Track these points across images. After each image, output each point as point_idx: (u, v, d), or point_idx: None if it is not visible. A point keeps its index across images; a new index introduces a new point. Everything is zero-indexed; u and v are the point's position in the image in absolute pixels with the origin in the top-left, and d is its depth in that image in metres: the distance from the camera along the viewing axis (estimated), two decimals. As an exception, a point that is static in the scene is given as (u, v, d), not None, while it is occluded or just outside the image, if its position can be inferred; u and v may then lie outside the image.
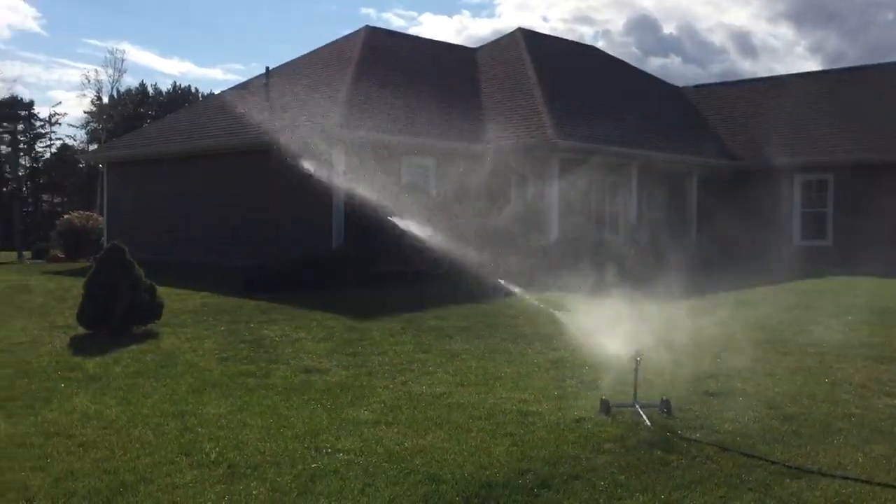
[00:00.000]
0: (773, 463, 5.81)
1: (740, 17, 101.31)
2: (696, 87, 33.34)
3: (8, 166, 61.11)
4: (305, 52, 26.51)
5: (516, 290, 10.42)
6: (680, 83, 34.14)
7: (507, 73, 25.11)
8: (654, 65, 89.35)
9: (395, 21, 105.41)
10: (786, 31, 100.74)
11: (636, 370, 6.99)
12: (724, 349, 9.94)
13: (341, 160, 18.49)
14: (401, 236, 17.32)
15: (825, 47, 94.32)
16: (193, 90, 69.34)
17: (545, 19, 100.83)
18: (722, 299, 15.11)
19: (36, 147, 64.87)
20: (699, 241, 24.83)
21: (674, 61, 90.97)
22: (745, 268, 19.80)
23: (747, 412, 7.09)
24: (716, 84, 33.69)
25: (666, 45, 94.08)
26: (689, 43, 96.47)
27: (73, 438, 6.34)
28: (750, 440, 6.31)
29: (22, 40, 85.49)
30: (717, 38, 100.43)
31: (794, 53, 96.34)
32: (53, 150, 65.15)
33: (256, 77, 26.00)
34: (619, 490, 5.31)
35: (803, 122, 27.25)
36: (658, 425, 6.65)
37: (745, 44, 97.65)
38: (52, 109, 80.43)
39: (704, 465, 5.77)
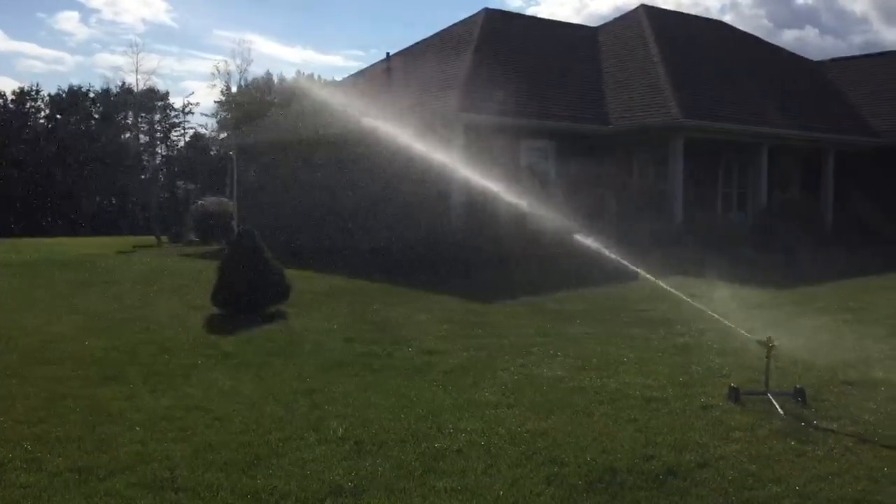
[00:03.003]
0: (920, 457, 5.47)
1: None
2: (835, 60, 31.51)
3: (146, 155, 64.63)
4: (425, 36, 26.73)
5: (639, 273, 10.21)
6: (816, 57, 32.42)
7: (630, 52, 24.51)
8: (787, 37, 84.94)
9: (513, 2, 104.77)
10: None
11: (768, 357, 6.72)
12: (859, 338, 9.43)
13: (461, 144, 18.56)
14: (520, 219, 17.32)
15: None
16: (316, 77, 71.21)
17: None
18: (851, 287, 14.31)
19: (171, 136, 68.32)
20: (835, 225, 23.61)
21: (809, 33, 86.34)
22: (886, 251, 18.70)
23: (890, 402, 6.70)
24: (856, 57, 31.64)
25: (800, 16, 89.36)
26: (827, 13, 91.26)
27: (211, 412, 6.67)
28: (892, 431, 5.96)
29: (156, 33, 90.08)
30: (858, 7, 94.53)
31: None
32: (187, 138, 68.44)
33: (377, 62, 26.43)
34: (750, 480, 5.13)
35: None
36: (791, 414, 6.38)
37: (889, 11, 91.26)
38: (185, 99, 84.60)
39: (843, 457, 5.50)
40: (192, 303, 12.67)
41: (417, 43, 26.33)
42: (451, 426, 6.21)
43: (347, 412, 6.63)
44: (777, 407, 6.47)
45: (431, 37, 26.15)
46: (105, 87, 64.98)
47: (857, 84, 28.22)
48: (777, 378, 6.99)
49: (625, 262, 9.47)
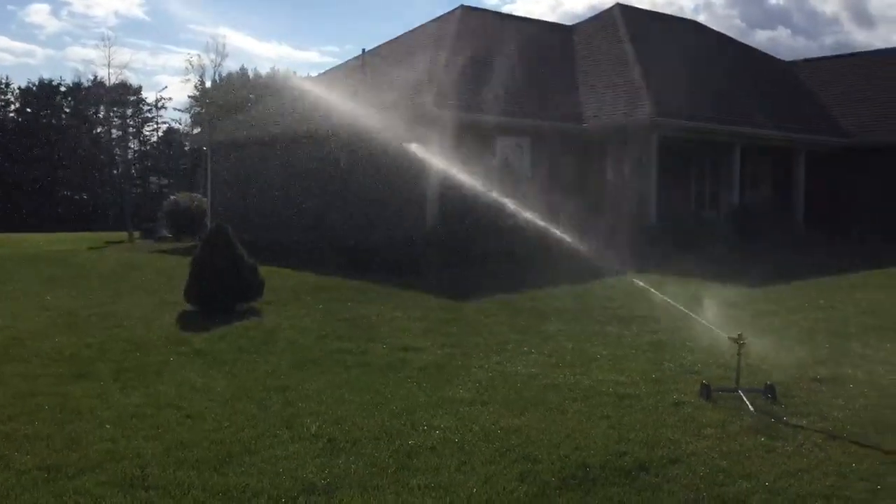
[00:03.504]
0: (887, 452, 5.55)
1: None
2: (806, 60, 31.86)
3: (118, 150, 63.88)
4: (401, 32, 26.67)
5: (613, 271, 10.26)
6: (788, 57, 32.79)
7: (605, 51, 24.61)
8: (760, 38, 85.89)
9: None
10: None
11: (739, 354, 6.79)
12: (829, 336, 9.55)
13: (436, 141, 18.55)
14: (496, 217, 17.33)
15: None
16: (292, 73, 70.74)
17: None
18: (821, 285, 14.47)
19: (144, 131, 67.58)
20: (806, 224, 23.88)
21: (781, 34, 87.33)
22: (855, 251, 18.96)
23: (858, 399, 6.80)
24: (828, 57, 32.01)
25: (773, 17, 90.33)
26: (798, 13, 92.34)
27: (183, 410, 6.61)
28: (861, 428, 6.05)
29: (129, 27, 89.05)
30: (829, 8, 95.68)
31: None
32: (160, 133, 67.74)
33: (352, 58, 26.34)
34: (721, 476, 5.18)
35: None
36: (762, 411, 6.45)
37: (860, 13, 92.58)
38: (158, 94, 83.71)
39: (812, 453, 5.56)
40: (164, 299, 12.55)
41: (393, 39, 26.28)
42: (424, 423, 6.21)
43: (321, 409, 6.60)
44: (748, 403, 6.53)
45: (407, 33, 26.12)
46: (76, 80, 64.19)
47: (828, 84, 28.57)
48: (748, 375, 7.07)
49: (599, 260, 9.53)
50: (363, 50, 25.07)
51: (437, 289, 13.35)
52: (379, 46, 26.06)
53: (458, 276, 14.97)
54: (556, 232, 10.65)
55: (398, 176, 18.50)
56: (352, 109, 19.68)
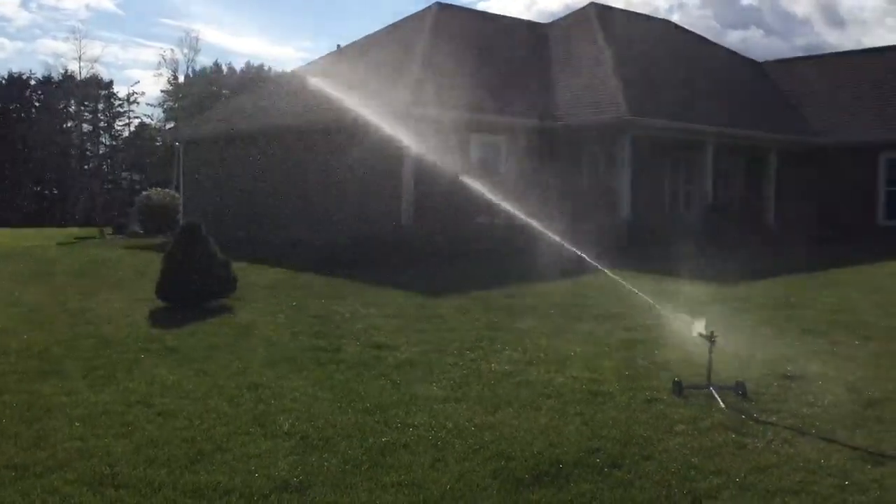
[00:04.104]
0: (854, 448, 5.63)
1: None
2: (778, 61, 32.22)
3: (89, 144, 63.09)
4: (376, 29, 26.61)
5: (587, 269, 10.29)
6: (761, 57, 33.09)
7: (579, 49, 24.71)
8: (733, 38, 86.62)
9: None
10: (876, 1, 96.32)
11: (710, 351, 6.85)
12: (799, 333, 9.67)
13: (412, 138, 18.52)
14: (470, 214, 17.34)
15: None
16: (266, 69, 70.31)
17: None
18: (791, 283, 14.65)
19: (115, 125, 66.80)
20: (777, 223, 24.16)
21: (754, 34, 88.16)
22: (824, 248, 19.20)
23: (827, 396, 6.89)
24: (799, 58, 32.46)
25: (746, 17, 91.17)
26: (771, 14, 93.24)
27: (153, 408, 6.55)
28: (829, 425, 6.13)
29: (100, 20, 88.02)
30: (801, 9, 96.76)
31: (884, 25, 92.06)
32: (132, 128, 67.02)
33: (327, 55, 26.24)
34: (692, 472, 5.22)
35: (891, 97, 26.11)
36: (733, 408, 6.51)
37: (831, 14, 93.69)
38: (130, 88, 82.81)
39: (781, 450, 5.63)
40: (135, 296, 12.41)
41: (369, 35, 26.21)
42: (398, 421, 6.20)
43: (294, 407, 6.56)
44: (719, 400, 6.59)
45: (383, 29, 26.07)
46: (47, 74, 63.28)
47: (800, 85, 28.90)
48: (719, 372, 7.12)
49: (574, 258, 9.55)
50: (338, 46, 25.04)
51: (411, 286, 13.33)
52: (354, 42, 25.98)
53: (433, 273, 14.96)
54: (531, 229, 10.68)
55: (373, 173, 18.47)
56: (326, 106, 19.60)
